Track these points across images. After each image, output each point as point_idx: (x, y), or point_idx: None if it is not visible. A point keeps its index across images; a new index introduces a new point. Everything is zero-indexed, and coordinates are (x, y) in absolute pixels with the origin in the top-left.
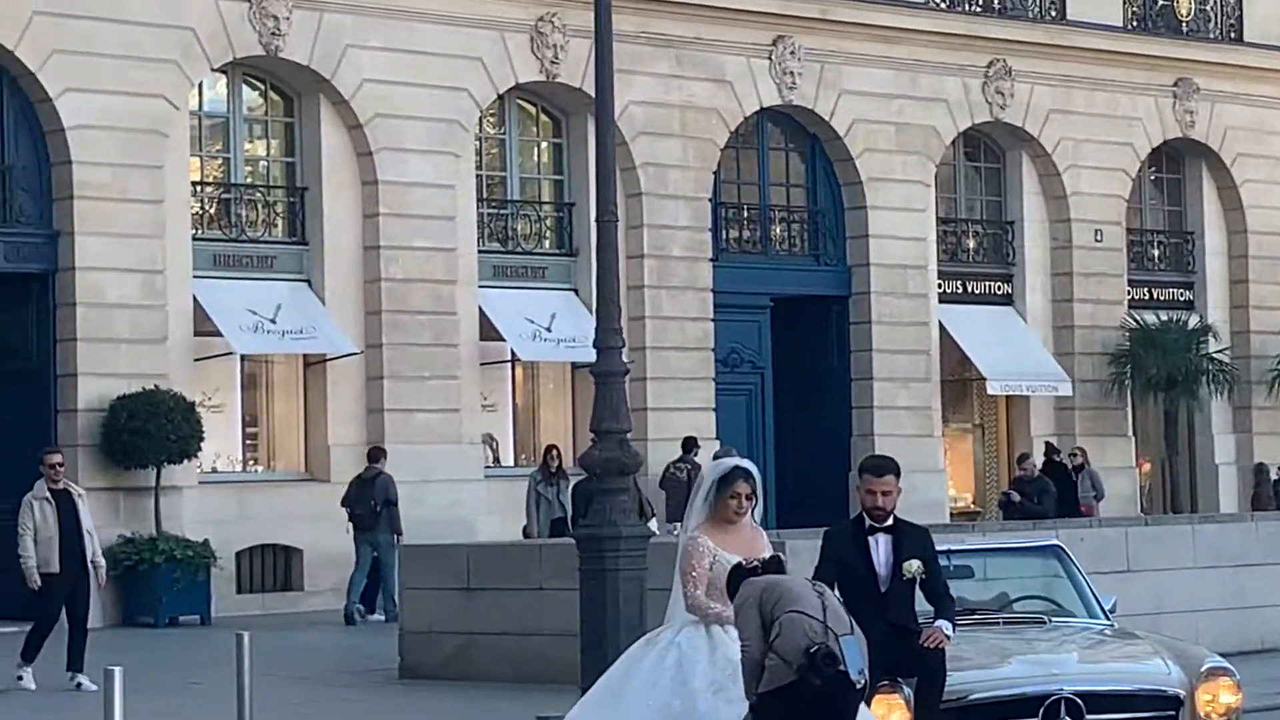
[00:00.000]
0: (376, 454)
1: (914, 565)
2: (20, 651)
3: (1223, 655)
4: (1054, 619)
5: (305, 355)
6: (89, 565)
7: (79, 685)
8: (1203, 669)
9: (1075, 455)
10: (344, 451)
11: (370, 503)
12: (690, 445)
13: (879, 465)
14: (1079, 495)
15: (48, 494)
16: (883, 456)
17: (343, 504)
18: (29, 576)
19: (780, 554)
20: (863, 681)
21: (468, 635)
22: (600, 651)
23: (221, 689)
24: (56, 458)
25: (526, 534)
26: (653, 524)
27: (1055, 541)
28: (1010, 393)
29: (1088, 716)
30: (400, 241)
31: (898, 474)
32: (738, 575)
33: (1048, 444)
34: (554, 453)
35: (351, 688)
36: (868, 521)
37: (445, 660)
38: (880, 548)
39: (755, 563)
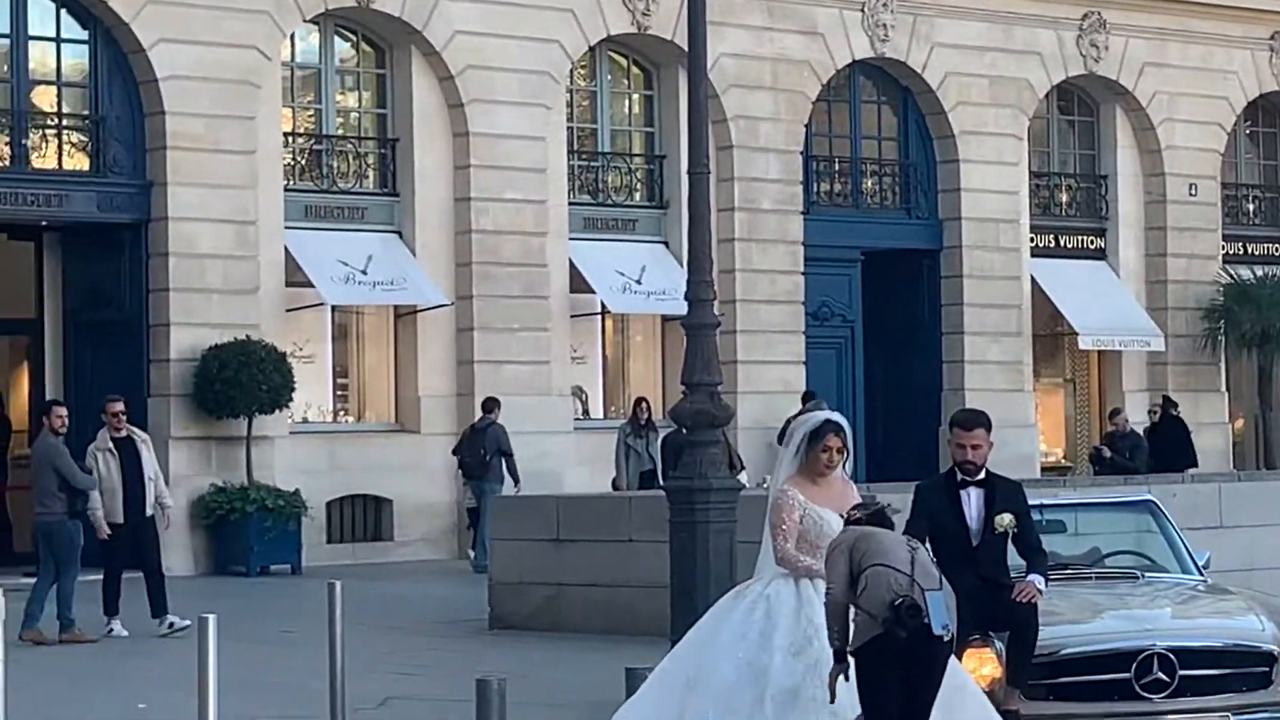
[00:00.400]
0: (491, 404)
1: (1006, 519)
2: (102, 606)
3: None
4: (1146, 574)
5: (396, 306)
6: (155, 511)
7: (171, 626)
8: None
9: (1154, 411)
10: (434, 402)
11: (480, 451)
12: (809, 398)
13: (969, 419)
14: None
15: (110, 445)
16: (973, 410)
17: (454, 452)
18: (99, 527)
19: (886, 505)
20: (948, 636)
21: (557, 586)
22: (689, 603)
23: (313, 638)
24: (118, 406)
25: (615, 486)
26: (743, 476)
27: (1148, 497)
28: (1102, 348)
29: (1180, 672)
30: (491, 193)
31: (989, 428)
32: (909, 527)
33: (1165, 397)
34: (643, 405)
35: (442, 637)
36: (959, 475)
37: (534, 611)
38: (972, 502)
39: (858, 513)
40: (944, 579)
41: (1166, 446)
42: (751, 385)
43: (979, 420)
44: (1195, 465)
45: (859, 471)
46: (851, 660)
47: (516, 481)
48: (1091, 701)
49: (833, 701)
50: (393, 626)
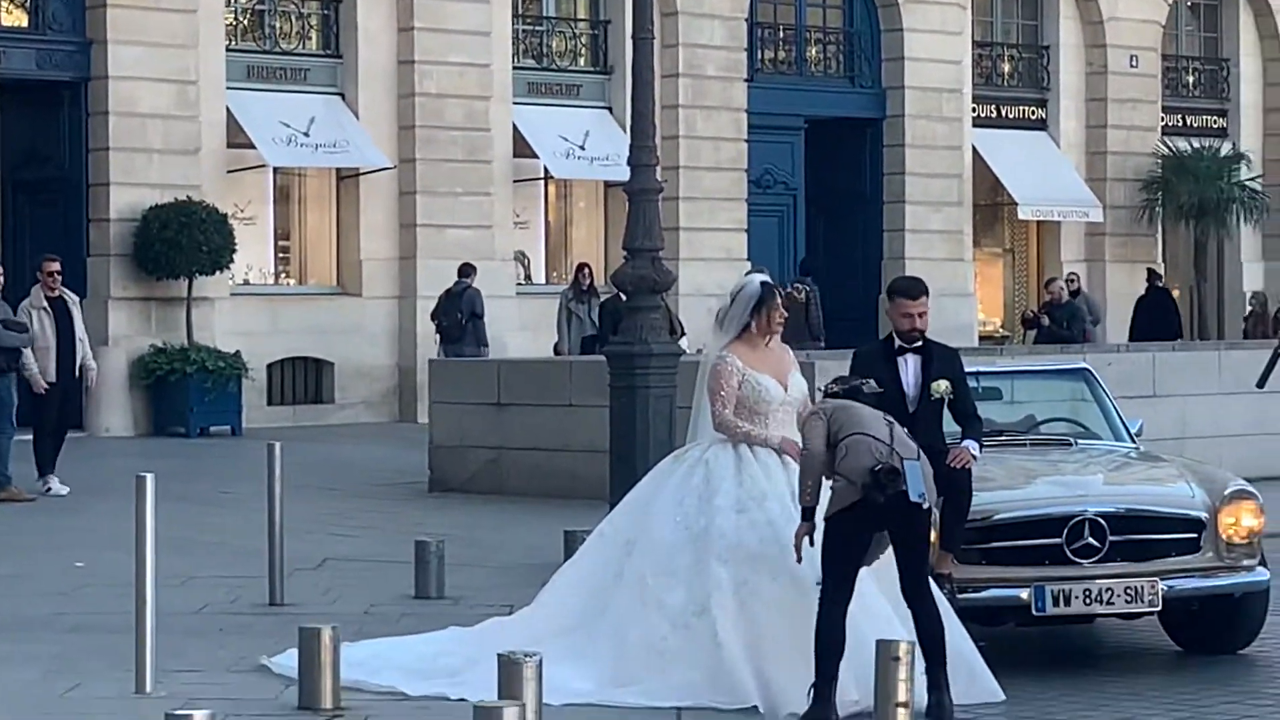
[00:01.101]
0: (466, 269)
1: (942, 385)
2: (36, 467)
3: (1246, 480)
4: (1080, 441)
5: (338, 169)
6: (81, 372)
7: (49, 490)
8: (1226, 492)
9: (1071, 280)
10: (375, 266)
11: (457, 315)
12: (808, 269)
13: (914, 286)
14: (1078, 323)
15: (45, 303)
16: (914, 278)
17: (431, 317)
18: (35, 382)
19: (864, 382)
20: (926, 504)
21: (497, 450)
22: (628, 467)
23: (252, 499)
24: (54, 265)
25: (557, 351)
26: (683, 342)
27: (1083, 365)
28: (1041, 218)
29: (1111, 537)
30: (434, 56)
31: (928, 295)
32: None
33: (1150, 270)
34: (585, 270)
35: (381, 500)
36: (897, 342)
37: (474, 474)
38: (909, 368)
39: (836, 386)
40: (921, 452)
41: (1153, 317)
42: (693, 252)
43: (922, 288)
44: (1179, 336)
45: None
46: (821, 525)
47: (484, 345)
48: (1023, 566)
49: (799, 561)
50: (332, 488)
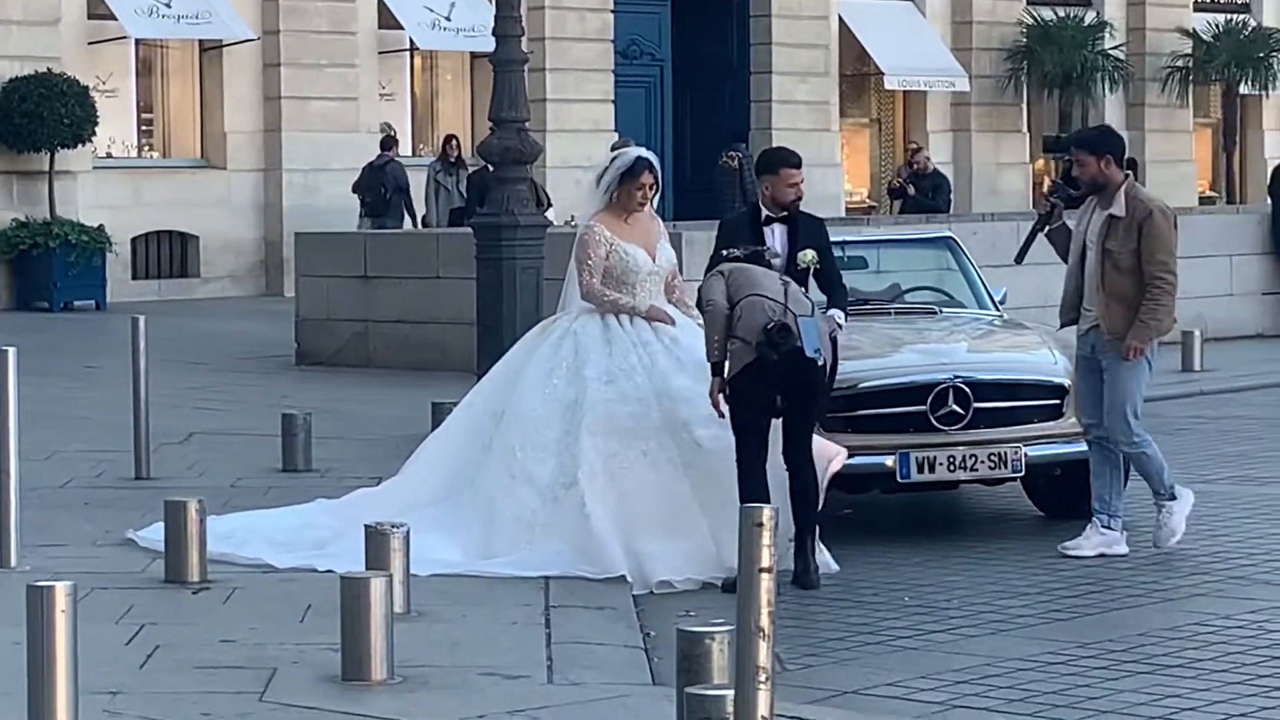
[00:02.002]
0: (389, 142)
1: (809, 255)
2: None
3: None
4: (945, 310)
5: (201, 40)
6: None
7: None
8: None
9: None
10: (240, 139)
11: (380, 189)
12: (741, 136)
13: (794, 155)
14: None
15: None
16: (789, 149)
17: (353, 190)
18: None
19: (766, 249)
20: (821, 360)
21: (365, 323)
22: (495, 339)
23: (117, 373)
24: None
25: (425, 223)
26: (550, 214)
27: (948, 234)
28: (908, 88)
29: (975, 404)
30: None
31: None
32: (714, 264)
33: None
34: (453, 142)
35: (248, 373)
36: (764, 213)
37: (342, 347)
38: (776, 237)
39: (738, 251)
40: (816, 308)
41: None
42: (560, 124)
43: (800, 157)
44: None
45: (666, 210)
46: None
47: (414, 218)
48: (888, 434)
49: (721, 416)
50: (198, 363)
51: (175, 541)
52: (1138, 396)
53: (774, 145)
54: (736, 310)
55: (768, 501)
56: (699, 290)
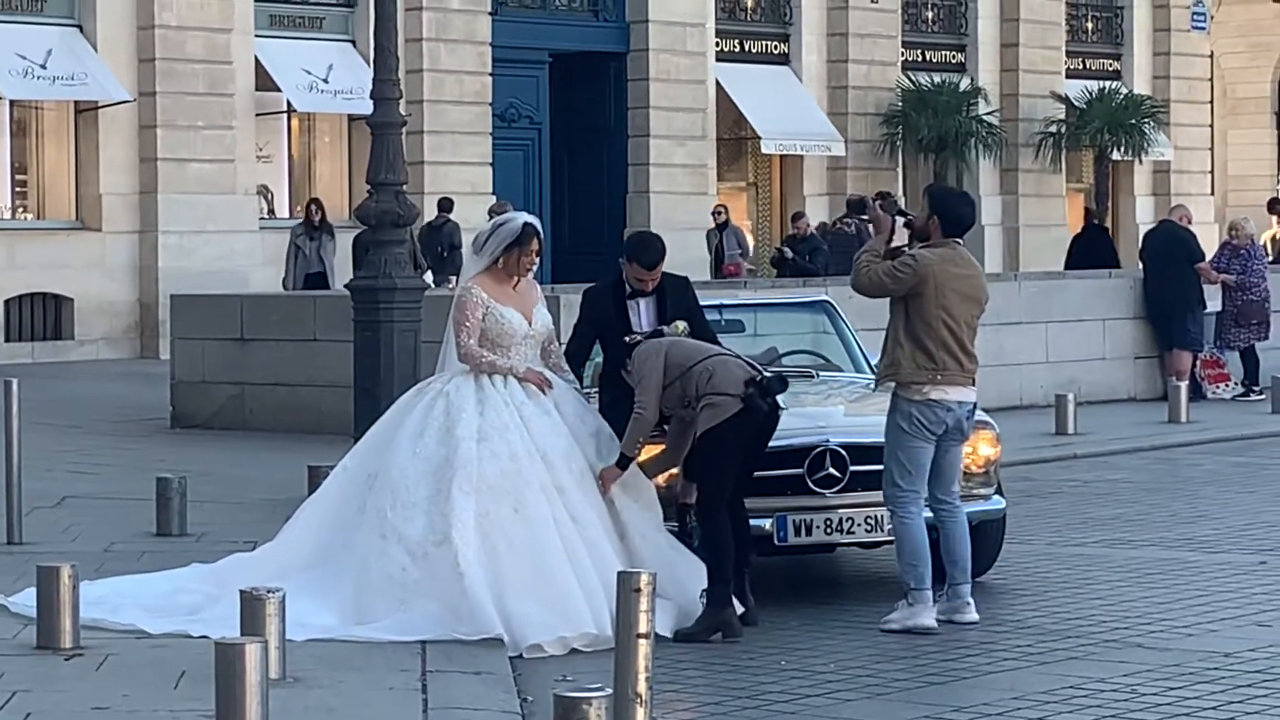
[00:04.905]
0: (447, 204)
1: (680, 326)
2: None
3: (984, 410)
4: (822, 373)
5: (77, 102)
6: None
7: None
8: None
9: (719, 214)
10: (115, 200)
11: (437, 249)
12: (859, 208)
13: (651, 254)
14: (725, 253)
15: None
16: (651, 242)
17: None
18: None
19: (678, 324)
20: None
21: (241, 385)
22: (373, 402)
23: None
24: None
25: (285, 287)
26: (427, 276)
27: (824, 298)
28: (784, 152)
29: (852, 467)
30: None
31: (665, 257)
32: (626, 351)
33: (1087, 208)
34: (314, 206)
35: (122, 436)
36: (629, 288)
37: (218, 410)
38: (641, 310)
39: (636, 337)
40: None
41: (1088, 253)
42: (438, 186)
43: (659, 256)
44: (1118, 267)
45: (544, 273)
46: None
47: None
48: (766, 496)
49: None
50: (72, 426)
51: (47, 607)
52: (892, 458)
53: (642, 231)
54: (698, 373)
55: (731, 548)
56: (638, 380)
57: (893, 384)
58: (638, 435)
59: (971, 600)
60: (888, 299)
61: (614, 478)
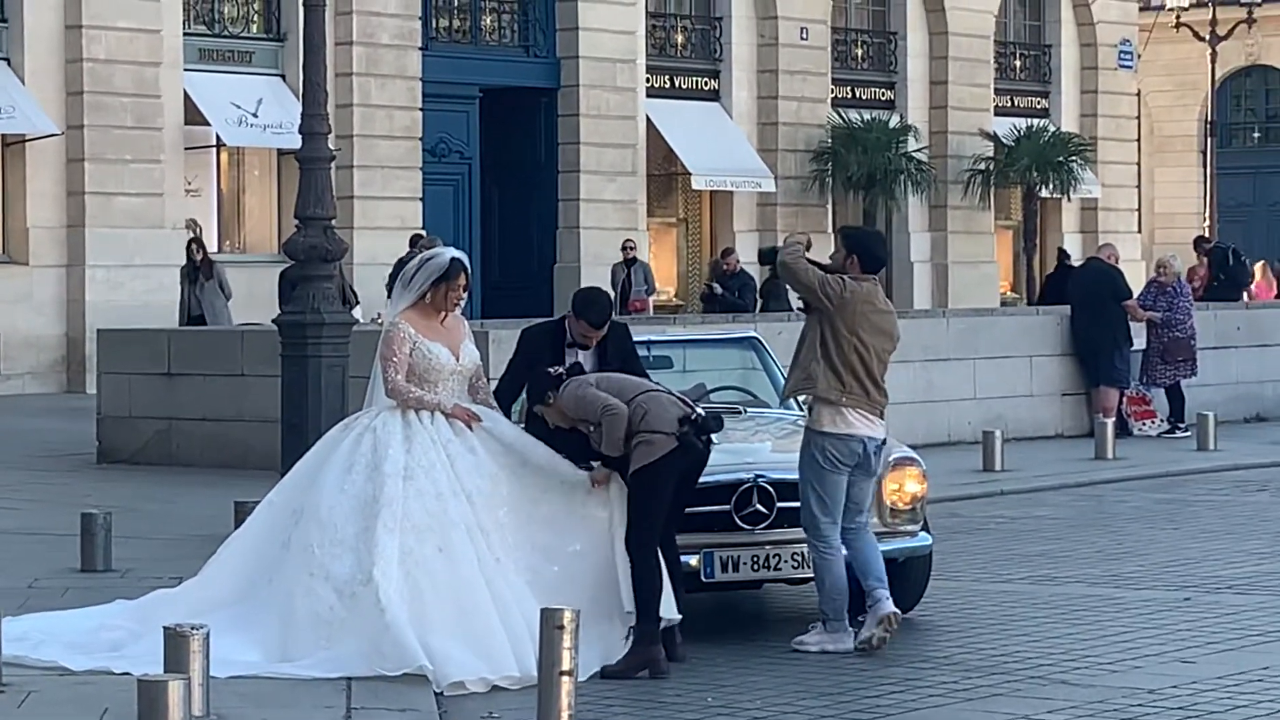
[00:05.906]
0: (417, 239)
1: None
2: None
3: (911, 446)
4: (749, 409)
5: (4, 135)
6: None
7: None
8: (890, 459)
9: (628, 249)
10: (42, 234)
11: None
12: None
13: (601, 314)
14: (632, 289)
15: None
16: (601, 301)
17: (387, 286)
18: None
19: (579, 364)
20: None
21: (168, 420)
22: (300, 437)
23: None
24: None
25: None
26: (356, 312)
27: (752, 334)
28: (715, 188)
29: (779, 504)
30: (103, 21)
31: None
32: (545, 381)
33: (1060, 249)
34: (195, 245)
35: (47, 472)
36: (569, 336)
37: (144, 445)
38: (581, 359)
39: (560, 369)
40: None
41: (1061, 292)
42: (368, 221)
43: (607, 314)
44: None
45: (474, 308)
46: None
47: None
48: (693, 532)
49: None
50: None
51: None
52: (809, 492)
53: (594, 287)
54: (634, 407)
55: (662, 587)
56: (584, 403)
57: (804, 395)
58: (617, 433)
59: (890, 598)
60: (803, 318)
61: (606, 479)
